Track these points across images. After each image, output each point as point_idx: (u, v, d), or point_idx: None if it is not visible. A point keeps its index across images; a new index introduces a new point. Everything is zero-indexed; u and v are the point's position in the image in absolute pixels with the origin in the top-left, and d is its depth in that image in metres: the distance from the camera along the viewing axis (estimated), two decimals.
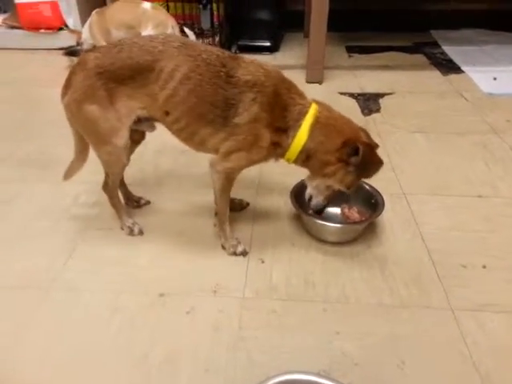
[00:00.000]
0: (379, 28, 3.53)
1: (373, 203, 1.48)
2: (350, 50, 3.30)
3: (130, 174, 1.62)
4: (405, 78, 2.76)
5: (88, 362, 1.10)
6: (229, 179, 1.34)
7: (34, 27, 3.28)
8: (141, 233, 1.51)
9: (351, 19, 3.46)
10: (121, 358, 1.11)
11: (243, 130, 1.23)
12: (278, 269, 1.36)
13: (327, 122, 1.27)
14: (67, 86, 1.30)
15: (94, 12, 2.62)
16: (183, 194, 1.72)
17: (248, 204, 1.64)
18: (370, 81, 2.72)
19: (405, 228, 1.52)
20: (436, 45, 3.33)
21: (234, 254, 1.41)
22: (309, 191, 1.38)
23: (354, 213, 1.51)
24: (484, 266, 1.36)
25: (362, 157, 1.21)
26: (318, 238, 1.46)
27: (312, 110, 1.26)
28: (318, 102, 1.30)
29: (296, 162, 1.32)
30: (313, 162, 1.30)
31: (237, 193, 1.63)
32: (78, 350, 1.13)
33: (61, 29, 3.28)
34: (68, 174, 1.50)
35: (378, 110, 2.37)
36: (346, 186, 1.31)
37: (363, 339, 1.14)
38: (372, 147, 1.27)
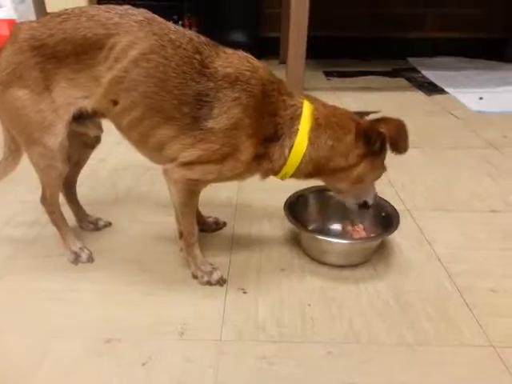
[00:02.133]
0: (355, 55, 3.46)
1: (383, 217, 1.21)
2: (328, 74, 3.17)
3: (81, 193, 1.31)
4: (388, 99, 2.61)
5: None
6: (190, 192, 1.05)
7: None
8: (90, 260, 1.18)
9: (327, 46, 3.38)
10: None
11: (218, 138, 0.96)
12: (264, 301, 1.05)
13: (328, 120, 1.03)
14: None
15: None
16: (144, 214, 1.41)
17: (225, 224, 1.35)
18: (352, 100, 2.55)
19: (416, 248, 1.26)
20: (415, 70, 3.25)
21: (209, 283, 1.10)
22: (356, 201, 1.14)
23: (360, 230, 1.23)
24: None
25: (391, 137, 0.98)
26: (318, 260, 1.17)
27: (306, 111, 1.01)
28: (309, 98, 1.06)
29: (297, 176, 1.07)
30: (330, 175, 1.07)
31: (211, 212, 1.34)
32: None
33: None
34: None
35: None
36: (384, 171, 1.11)
37: None
38: (386, 119, 1.00)
